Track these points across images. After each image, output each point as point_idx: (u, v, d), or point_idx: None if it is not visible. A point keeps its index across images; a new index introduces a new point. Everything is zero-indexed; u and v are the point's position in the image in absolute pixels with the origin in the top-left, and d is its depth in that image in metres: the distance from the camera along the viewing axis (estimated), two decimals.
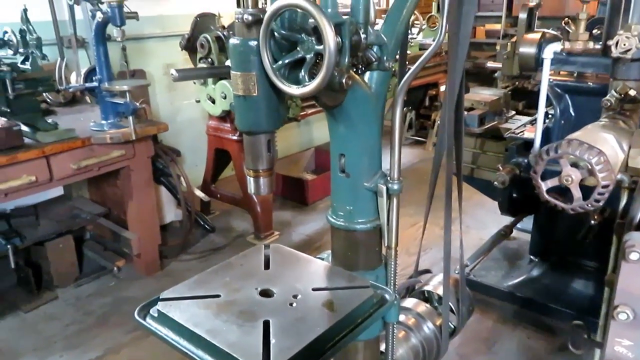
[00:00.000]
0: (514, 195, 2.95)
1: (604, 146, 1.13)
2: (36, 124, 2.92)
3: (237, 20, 1.19)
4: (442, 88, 6.30)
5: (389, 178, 1.62)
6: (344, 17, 1.18)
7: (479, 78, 6.12)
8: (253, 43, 1.18)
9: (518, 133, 2.89)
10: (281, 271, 1.60)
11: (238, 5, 1.23)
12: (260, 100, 1.23)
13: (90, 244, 3.96)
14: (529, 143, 2.86)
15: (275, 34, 1.18)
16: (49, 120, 2.99)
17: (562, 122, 2.73)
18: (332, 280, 1.56)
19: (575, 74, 2.69)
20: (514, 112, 3.35)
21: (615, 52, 1.42)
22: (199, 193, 4.21)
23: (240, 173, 4.12)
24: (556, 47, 2.08)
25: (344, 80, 1.16)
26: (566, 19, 2.67)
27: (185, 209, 3.81)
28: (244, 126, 1.29)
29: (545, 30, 2.88)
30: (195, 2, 4.77)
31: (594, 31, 2.72)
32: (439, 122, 6.45)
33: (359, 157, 1.61)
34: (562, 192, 1.33)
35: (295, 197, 4.88)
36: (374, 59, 1.30)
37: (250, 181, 1.37)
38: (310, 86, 1.12)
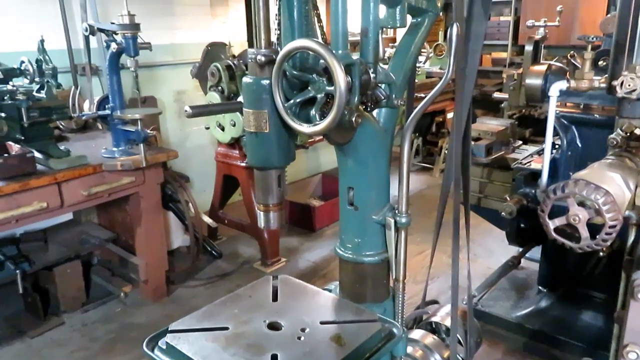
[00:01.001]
0: (522, 225, 2.95)
1: (610, 185, 1.15)
2: (49, 151, 2.97)
3: (250, 60, 1.23)
4: (449, 115, 6.36)
5: (397, 211, 1.64)
6: (354, 57, 1.21)
7: (485, 105, 6.17)
8: (265, 82, 1.22)
9: (525, 164, 2.90)
10: (289, 303, 1.61)
11: (250, 45, 1.27)
12: (272, 137, 1.26)
13: (98, 268, 3.98)
14: (536, 173, 2.88)
15: (287, 73, 1.22)
16: (62, 147, 3.05)
17: (569, 153, 2.75)
18: (340, 313, 1.57)
19: (581, 106, 2.71)
20: (520, 142, 3.37)
21: (620, 92, 1.44)
22: (207, 219, 4.23)
23: (248, 199, 4.14)
24: (562, 85, 2.12)
25: (353, 119, 1.19)
26: (572, 52, 2.72)
27: (193, 235, 3.83)
28: (256, 162, 1.32)
29: (551, 62, 2.92)
30: (206, 31, 4.89)
31: (600, 62, 2.75)
32: (446, 150, 6.48)
33: (367, 191, 1.63)
34: (570, 226, 1.34)
35: (302, 223, 4.89)
36: (383, 97, 1.33)
37: (260, 215, 1.39)
38: (321, 125, 1.14)
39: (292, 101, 1.20)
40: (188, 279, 3.98)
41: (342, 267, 1.78)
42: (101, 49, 3.69)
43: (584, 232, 1.16)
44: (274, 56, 1.19)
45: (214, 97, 3.83)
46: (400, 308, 1.70)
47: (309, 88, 1.20)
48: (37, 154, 2.96)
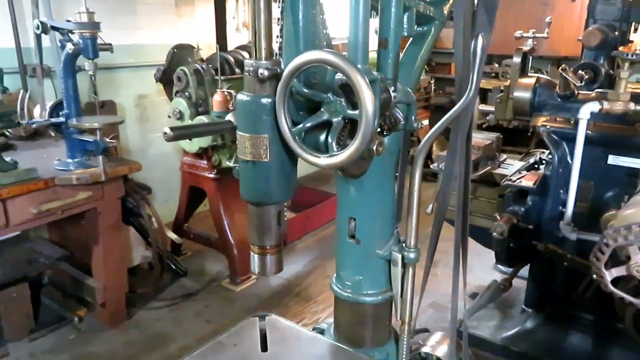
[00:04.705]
0: (511, 244, 2.81)
1: None
2: None
3: (247, 74, 1.00)
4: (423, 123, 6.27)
5: (404, 245, 1.45)
6: (374, 73, 1.01)
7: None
8: (266, 101, 0.99)
9: (514, 180, 2.77)
10: (281, 354, 1.39)
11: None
12: (272, 167, 1.03)
13: (48, 289, 3.60)
14: (525, 191, 2.76)
15: (293, 91, 1.00)
16: (8, 159, 2.70)
17: (560, 170, 2.64)
18: None
19: (572, 121, 2.60)
20: (505, 157, 3.25)
21: None
22: (172, 235, 3.93)
23: (216, 213, 3.87)
24: (594, 107, 1.95)
25: (374, 147, 0.99)
26: (563, 64, 2.60)
27: (157, 252, 3.52)
28: (252, 196, 1.08)
29: (540, 75, 2.82)
30: (172, 32, 4.58)
31: (584, 75, 2.66)
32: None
33: (371, 222, 1.43)
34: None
35: None
36: (401, 119, 1.13)
37: (254, 258, 1.17)
38: (341, 156, 0.93)
39: (301, 126, 0.98)
40: (150, 300, 3.67)
41: (339, 307, 1.57)
42: (54, 48, 3.35)
43: None
44: (278, 70, 0.97)
45: (181, 104, 3.56)
46: (405, 353, 1.51)
47: (322, 110, 0.98)
48: None
